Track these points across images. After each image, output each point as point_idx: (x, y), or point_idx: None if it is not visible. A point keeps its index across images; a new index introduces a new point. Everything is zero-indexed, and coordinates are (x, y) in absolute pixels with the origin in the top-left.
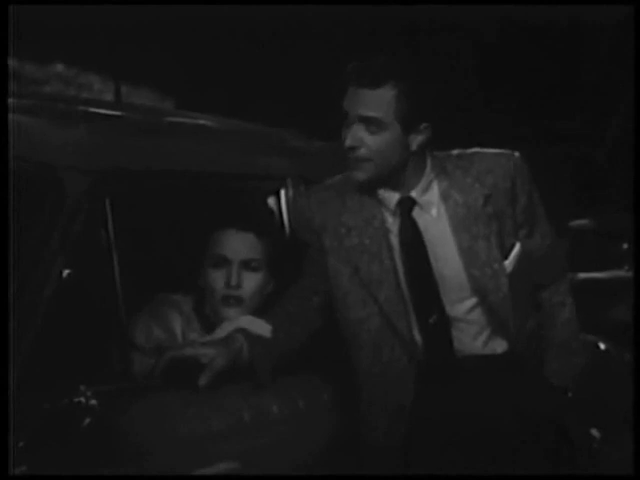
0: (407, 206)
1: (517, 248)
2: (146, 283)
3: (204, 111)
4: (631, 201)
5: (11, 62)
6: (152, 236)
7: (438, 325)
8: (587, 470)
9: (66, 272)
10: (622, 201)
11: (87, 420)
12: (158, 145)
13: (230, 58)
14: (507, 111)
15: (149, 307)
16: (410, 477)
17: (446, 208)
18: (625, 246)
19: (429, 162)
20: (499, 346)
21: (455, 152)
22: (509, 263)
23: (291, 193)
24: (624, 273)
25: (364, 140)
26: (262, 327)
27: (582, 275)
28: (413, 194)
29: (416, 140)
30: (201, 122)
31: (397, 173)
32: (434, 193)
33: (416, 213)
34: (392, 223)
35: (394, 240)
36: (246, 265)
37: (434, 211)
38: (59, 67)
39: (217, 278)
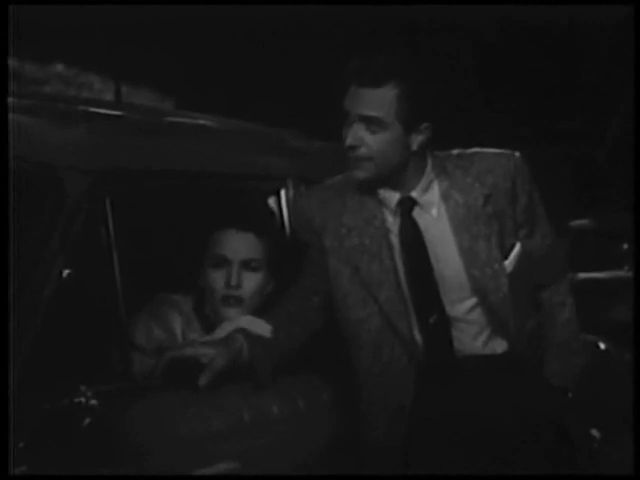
0: (407, 206)
1: (517, 248)
2: (146, 283)
3: (204, 111)
4: (631, 201)
5: (11, 62)
6: (152, 236)
7: (438, 325)
8: (587, 470)
9: (66, 272)
10: (622, 201)
11: (87, 420)
12: (158, 145)
13: (230, 58)
14: (507, 111)
15: (149, 307)
16: (410, 477)
17: (446, 208)
18: (625, 246)
19: (429, 162)
20: (499, 346)
21: (455, 152)
22: (509, 263)
23: (291, 193)
24: (624, 273)
25: (365, 139)
26: (262, 327)
27: (582, 275)
28: (413, 194)
29: (417, 140)
30: (201, 122)
31: (397, 173)
32: (434, 193)
33: (416, 213)
34: (392, 223)
35: (394, 240)
36: (246, 265)
37: (434, 211)
38: (59, 67)
39: (217, 278)
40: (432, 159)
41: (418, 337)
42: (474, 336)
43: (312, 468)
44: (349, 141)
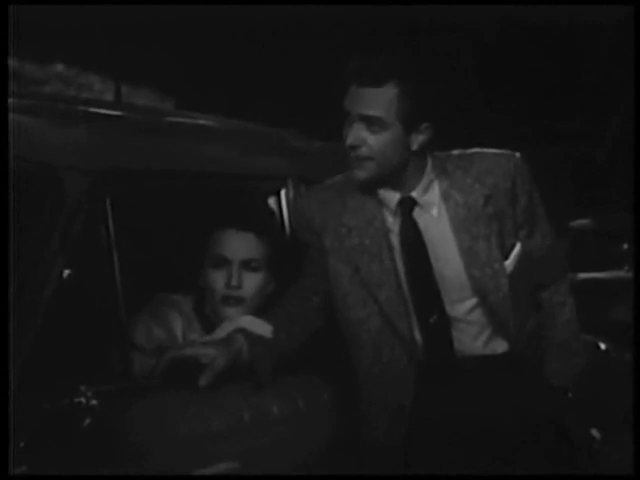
0: (408, 206)
1: (517, 248)
2: (146, 283)
3: (204, 111)
4: (631, 201)
5: (11, 62)
6: (152, 236)
7: (438, 325)
8: (587, 470)
9: (66, 272)
10: (622, 201)
11: (87, 420)
12: (158, 145)
13: (230, 58)
14: (507, 111)
15: (149, 307)
16: (410, 477)
17: (447, 208)
18: (625, 246)
19: (429, 162)
20: (499, 346)
21: (455, 152)
22: (509, 263)
23: (291, 193)
24: (624, 273)
25: (365, 139)
26: (262, 327)
27: (582, 275)
28: (414, 194)
29: (417, 140)
30: (201, 122)
31: (398, 173)
32: (435, 193)
33: (417, 213)
34: (393, 223)
35: (395, 240)
36: (246, 265)
37: (435, 211)
38: (59, 67)
39: (217, 278)
40: (432, 159)
41: (418, 337)
42: (474, 336)
43: (312, 468)
44: (350, 141)
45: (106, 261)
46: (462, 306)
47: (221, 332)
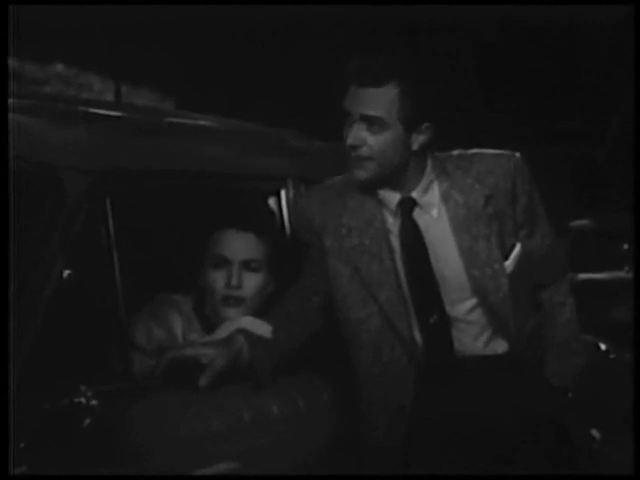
0: (408, 207)
1: (517, 248)
2: (146, 283)
3: (204, 111)
4: (631, 201)
5: (11, 62)
6: (152, 236)
7: (438, 325)
8: (587, 470)
9: (66, 272)
10: (622, 201)
11: (87, 420)
12: (158, 145)
13: (230, 58)
14: (507, 111)
15: (149, 307)
16: (410, 477)
17: (447, 209)
18: (625, 246)
19: (430, 162)
20: (500, 346)
21: (455, 153)
22: (509, 263)
23: (291, 193)
24: (624, 274)
25: (366, 139)
26: (262, 327)
27: (582, 275)
28: (414, 194)
29: (418, 140)
30: (201, 122)
31: (398, 173)
32: (435, 194)
33: (417, 214)
34: (393, 224)
35: (395, 241)
36: (246, 265)
37: (435, 212)
38: (59, 67)
39: (217, 278)
40: (432, 160)
41: (418, 337)
42: (474, 336)
43: (312, 468)
44: (350, 141)
45: (106, 261)
46: (462, 306)
47: (222, 332)
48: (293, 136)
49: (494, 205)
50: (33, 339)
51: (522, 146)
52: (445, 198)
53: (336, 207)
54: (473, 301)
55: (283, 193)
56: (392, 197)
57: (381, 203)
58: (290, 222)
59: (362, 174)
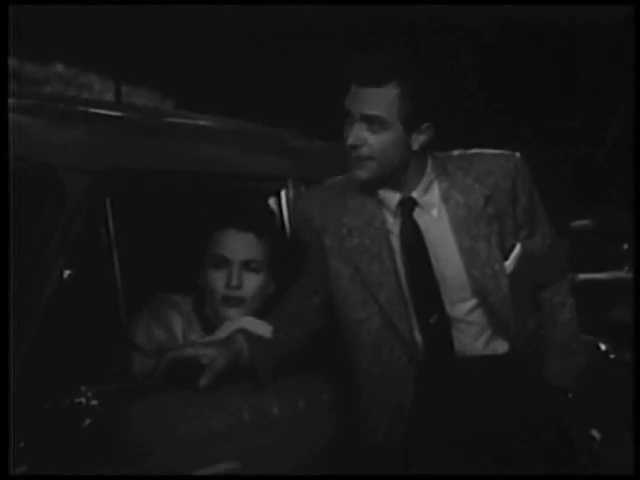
0: (408, 207)
1: (518, 248)
2: (146, 283)
3: (204, 111)
4: (631, 201)
5: (11, 62)
6: (152, 236)
7: (438, 325)
8: (587, 470)
9: (66, 272)
10: (622, 201)
11: (87, 420)
12: (158, 145)
13: (230, 58)
14: (507, 111)
15: (149, 307)
16: (410, 477)
17: (447, 209)
18: (625, 246)
19: (430, 163)
20: (500, 347)
21: (456, 153)
22: (509, 263)
23: (292, 194)
24: (624, 274)
25: (366, 139)
26: (263, 328)
27: (582, 275)
28: (414, 195)
29: (418, 140)
30: (201, 122)
31: (398, 173)
32: (435, 194)
33: (417, 214)
34: (393, 224)
35: (395, 241)
36: (246, 265)
37: (435, 212)
38: (59, 67)
39: (217, 278)
40: (432, 160)
41: (418, 337)
42: (475, 337)
43: (312, 468)
44: (351, 141)
45: (106, 261)
46: (462, 306)
47: (222, 333)
48: (293, 136)
49: (494, 205)
50: (33, 339)
51: (522, 146)
52: (445, 198)
53: (336, 207)
54: (473, 301)
55: (283, 193)
56: (392, 197)
57: (381, 203)
58: (290, 222)
59: (362, 174)
